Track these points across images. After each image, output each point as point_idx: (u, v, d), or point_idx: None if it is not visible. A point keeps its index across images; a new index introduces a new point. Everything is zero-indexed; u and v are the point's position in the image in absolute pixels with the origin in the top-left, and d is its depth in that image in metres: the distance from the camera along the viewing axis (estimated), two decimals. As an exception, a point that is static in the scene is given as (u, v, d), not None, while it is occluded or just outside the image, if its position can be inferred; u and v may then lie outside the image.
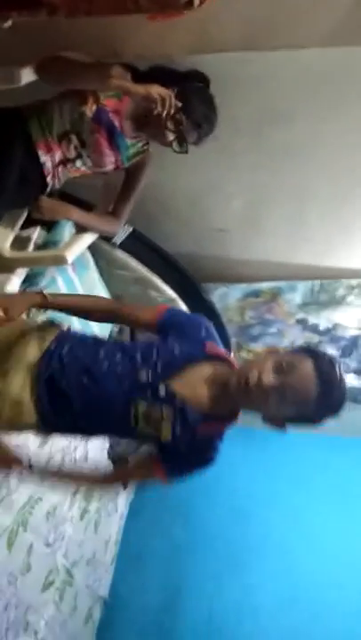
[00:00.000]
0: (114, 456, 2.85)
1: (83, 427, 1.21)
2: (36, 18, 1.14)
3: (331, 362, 1.09)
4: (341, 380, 1.09)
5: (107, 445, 2.84)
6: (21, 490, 1.93)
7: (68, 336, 1.26)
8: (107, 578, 2.79)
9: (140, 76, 1.59)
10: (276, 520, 3.06)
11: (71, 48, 1.61)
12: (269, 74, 1.74)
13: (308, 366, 1.06)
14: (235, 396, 1.12)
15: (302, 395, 1.05)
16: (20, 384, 1.16)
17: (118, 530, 2.98)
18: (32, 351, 1.20)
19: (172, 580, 2.90)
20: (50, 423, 1.19)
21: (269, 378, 1.06)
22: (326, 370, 1.07)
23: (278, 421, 1.13)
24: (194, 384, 1.16)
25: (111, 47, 1.66)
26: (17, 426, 1.22)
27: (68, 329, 1.30)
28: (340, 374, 1.09)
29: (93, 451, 2.65)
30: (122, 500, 3.06)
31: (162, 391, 1.14)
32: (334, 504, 3.08)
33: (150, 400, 1.14)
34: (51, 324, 1.32)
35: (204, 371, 1.17)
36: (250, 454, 3.34)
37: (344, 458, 3.25)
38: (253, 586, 2.80)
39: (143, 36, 1.60)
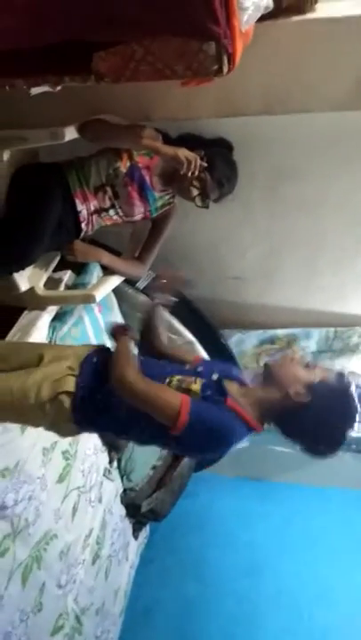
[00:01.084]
0: (127, 500, 2.85)
1: (116, 404, 1.26)
2: (85, 83, 1.32)
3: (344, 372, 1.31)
4: (352, 386, 1.27)
5: (120, 490, 2.85)
6: (38, 524, 1.94)
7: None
8: (115, 631, 2.70)
9: (170, 142, 1.79)
10: (290, 575, 2.98)
11: (108, 111, 1.81)
12: (285, 134, 1.93)
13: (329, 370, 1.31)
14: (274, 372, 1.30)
15: (325, 376, 1.26)
16: (69, 364, 1.36)
17: (128, 580, 2.91)
18: (83, 349, 1.45)
19: (182, 638, 2.80)
20: (84, 406, 1.30)
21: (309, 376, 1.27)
22: (342, 372, 1.30)
23: (304, 395, 1.24)
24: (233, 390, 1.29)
25: (143, 111, 1.86)
26: (56, 397, 1.31)
27: None
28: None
29: (108, 494, 2.65)
30: (132, 549, 3.00)
31: (200, 368, 1.32)
32: (350, 559, 3.00)
33: (186, 374, 1.28)
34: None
35: (238, 388, 1.31)
36: (264, 508, 3.30)
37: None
38: (267, 644, 2.70)
39: (172, 101, 1.79)
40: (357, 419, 1.23)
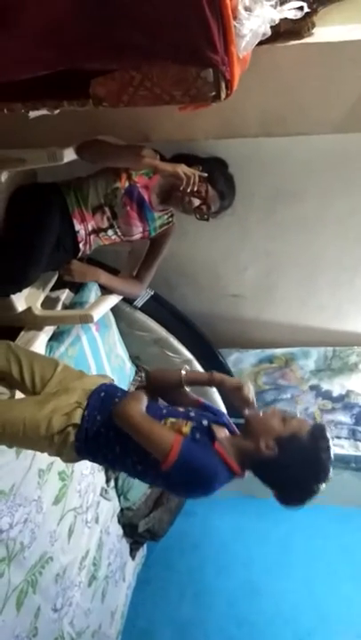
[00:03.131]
0: (124, 520, 2.81)
1: (113, 438, 1.34)
2: (83, 108, 1.32)
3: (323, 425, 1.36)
4: (327, 441, 1.28)
5: (117, 510, 2.82)
6: (34, 547, 1.92)
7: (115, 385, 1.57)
8: (112, 654, 2.66)
9: (165, 161, 1.79)
10: (288, 595, 2.94)
11: (106, 133, 1.82)
12: (282, 156, 1.95)
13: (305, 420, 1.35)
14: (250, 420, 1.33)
15: (299, 426, 1.29)
16: (76, 398, 1.43)
17: (125, 601, 2.88)
18: (89, 384, 1.49)
19: (180, 661, 2.76)
20: (87, 438, 1.36)
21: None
22: (319, 425, 1.34)
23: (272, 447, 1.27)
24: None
25: (142, 132, 1.87)
26: (65, 429, 1.37)
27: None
28: (328, 436, 1.29)
29: (104, 514, 2.62)
30: (129, 570, 2.97)
31: (192, 413, 1.37)
32: (349, 579, 2.96)
33: (180, 417, 1.34)
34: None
35: (226, 434, 1.35)
36: (262, 526, 3.26)
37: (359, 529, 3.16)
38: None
39: (171, 123, 1.80)
40: (330, 471, 1.26)
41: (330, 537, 3.18)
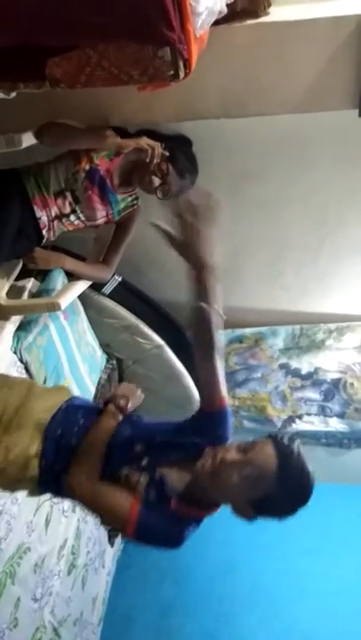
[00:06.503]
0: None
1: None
2: (40, 89, 1.30)
3: (290, 439, 1.15)
4: (300, 456, 1.13)
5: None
6: (11, 538, 1.90)
7: (76, 401, 1.36)
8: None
9: (129, 137, 1.78)
10: (267, 572, 3.01)
11: (65, 116, 1.79)
12: (245, 136, 1.96)
13: (267, 443, 1.14)
14: (204, 483, 1.15)
15: (262, 467, 1.10)
16: (28, 440, 1.24)
17: (106, 588, 2.89)
18: (42, 410, 1.29)
19: (163, 641, 2.80)
20: (48, 480, 1.24)
21: (233, 454, 1.13)
22: (285, 444, 1.13)
23: (247, 511, 1.16)
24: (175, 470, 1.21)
25: (102, 115, 1.85)
26: (18, 482, 1.26)
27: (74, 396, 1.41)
28: (299, 450, 1.13)
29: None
30: (109, 556, 2.98)
31: (145, 462, 1.20)
32: (325, 552, 3.05)
33: (133, 467, 1.20)
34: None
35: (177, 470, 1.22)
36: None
37: (333, 505, 3.25)
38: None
39: (131, 105, 1.78)
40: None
41: (302, 512, 3.25)
